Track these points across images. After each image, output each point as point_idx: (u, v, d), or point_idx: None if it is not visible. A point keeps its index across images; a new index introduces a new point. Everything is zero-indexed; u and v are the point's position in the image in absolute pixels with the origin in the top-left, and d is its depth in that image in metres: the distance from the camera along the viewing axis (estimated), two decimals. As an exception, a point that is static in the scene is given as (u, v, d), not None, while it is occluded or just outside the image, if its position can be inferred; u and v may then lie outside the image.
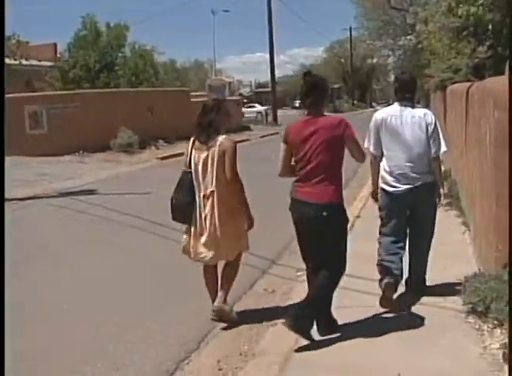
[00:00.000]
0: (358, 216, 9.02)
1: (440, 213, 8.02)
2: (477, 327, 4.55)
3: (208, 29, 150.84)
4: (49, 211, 11.21)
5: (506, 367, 3.83)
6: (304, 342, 4.54)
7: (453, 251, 6.78)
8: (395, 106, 5.45)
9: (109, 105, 22.02)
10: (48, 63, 30.53)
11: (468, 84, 8.28)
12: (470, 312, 4.73)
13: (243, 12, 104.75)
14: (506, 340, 4.15)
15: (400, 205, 5.37)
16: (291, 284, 6.21)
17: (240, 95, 53.19)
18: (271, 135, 32.40)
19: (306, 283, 4.95)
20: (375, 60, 66.39)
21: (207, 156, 5.11)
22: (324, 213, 4.48)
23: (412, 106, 5.41)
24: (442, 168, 5.98)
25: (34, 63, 26.04)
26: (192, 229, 5.23)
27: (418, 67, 28.44)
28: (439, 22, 18.69)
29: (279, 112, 43.49)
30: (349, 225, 8.10)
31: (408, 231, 5.49)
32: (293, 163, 4.71)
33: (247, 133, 31.80)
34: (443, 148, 5.37)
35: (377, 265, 5.38)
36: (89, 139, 20.28)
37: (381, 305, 5.15)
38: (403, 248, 5.44)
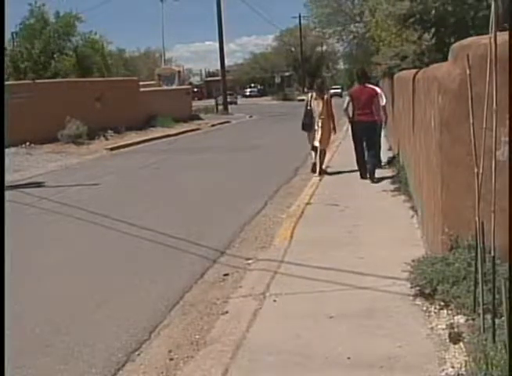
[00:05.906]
0: (308, 203, 9.06)
1: (388, 198, 8.24)
2: (424, 308, 4.61)
3: (157, 18, 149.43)
4: (-5, 204, 10.94)
5: (451, 347, 3.92)
6: (256, 329, 4.56)
7: (401, 235, 6.89)
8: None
9: (56, 95, 21.57)
10: (-6, 53, 29.72)
11: (414, 71, 8.38)
12: (418, 295, 4.80)
13: (192, 1, 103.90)
14: (452, 320, 4.25)
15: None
16: (241, 273, 6.21)
17: (190, 84, 52.92)
18: (221, 123, 32.30)
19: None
20: (324, 48, 66.75)
21: (319, 102, 11.67)
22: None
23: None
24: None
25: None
26: (314, 134, 11.61)
27: (367, 55, 28.72)
28: (386, 10, 18.91)
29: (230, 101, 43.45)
30: (299, 212, 8.24)
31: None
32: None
33: (197, 122, 31.57)
34: (383, 102, 10.91)
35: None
36: (36, 130, 19.81)
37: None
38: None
